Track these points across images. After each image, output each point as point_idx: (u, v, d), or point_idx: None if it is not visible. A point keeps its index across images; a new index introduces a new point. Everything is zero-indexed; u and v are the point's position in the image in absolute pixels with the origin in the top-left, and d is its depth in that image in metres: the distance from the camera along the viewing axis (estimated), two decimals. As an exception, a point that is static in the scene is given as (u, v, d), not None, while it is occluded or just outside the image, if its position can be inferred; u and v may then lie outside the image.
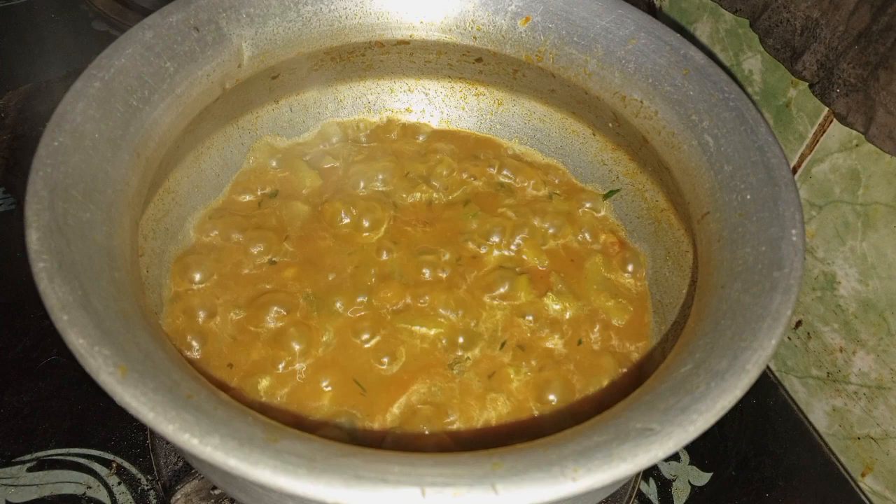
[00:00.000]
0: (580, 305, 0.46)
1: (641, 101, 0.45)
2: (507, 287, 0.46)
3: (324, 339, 0.43)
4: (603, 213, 0.52)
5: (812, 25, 0.46)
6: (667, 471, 0.52)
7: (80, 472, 0.47)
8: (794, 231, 0.35)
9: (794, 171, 0.53)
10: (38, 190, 0.32)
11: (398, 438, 0.40)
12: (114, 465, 0.48)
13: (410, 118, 0.57)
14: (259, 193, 0.50)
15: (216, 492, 0.44)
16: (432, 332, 0.44)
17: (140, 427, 0.50)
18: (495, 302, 0.46)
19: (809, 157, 0.51)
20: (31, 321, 0.54)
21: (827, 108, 0.49)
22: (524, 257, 0.49)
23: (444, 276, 0.47)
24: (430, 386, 0.42)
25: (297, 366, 0.42)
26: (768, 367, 0.59)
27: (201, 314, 0.43)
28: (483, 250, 0.49)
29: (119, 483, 0.47)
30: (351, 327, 0.44)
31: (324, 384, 0.41)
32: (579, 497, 0.27)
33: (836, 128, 0.48)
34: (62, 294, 0.29)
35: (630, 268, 0.49)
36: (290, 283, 0.45)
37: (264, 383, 0.41)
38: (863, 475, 0.52)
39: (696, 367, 0.31)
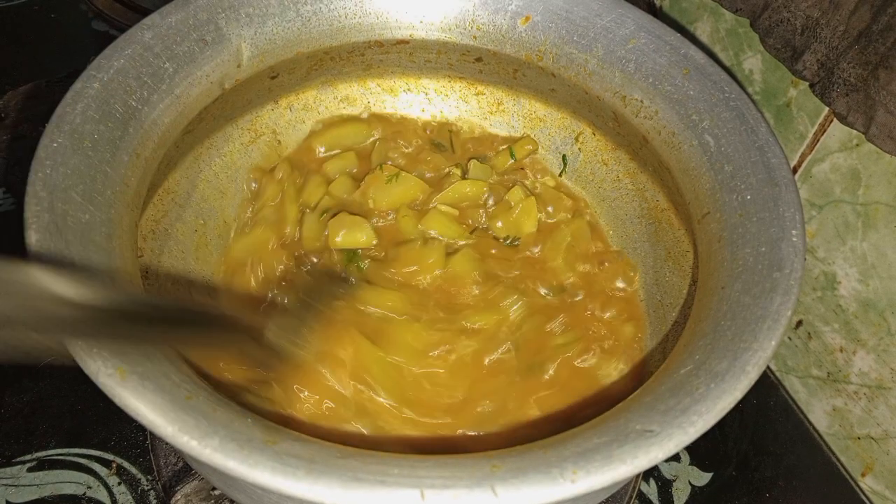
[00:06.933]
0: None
1: (641, 101, 0.45)
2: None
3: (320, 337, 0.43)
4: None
5: (812, 25, 0.46)
6: (667, 471, 0.52)
7: (80, 472, 0.47)
8: (794, 231, 0.35)
9: (795, 170, 0.52)
10: (38, 191, 0.32)
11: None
12: (114, 465, 0.48)
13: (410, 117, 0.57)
14: (254, 188, 0.50)
15: (216, 492, 0.44)
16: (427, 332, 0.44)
17: (140, 427, 0.50)
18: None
19: (810, 156, 0.51)
20: (31, 321, 0.54)
21: (827, 108, 0.49)
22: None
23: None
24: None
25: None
26: (768, 368, 0.59)
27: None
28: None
29: (119, 483, 0.47)
30: (347, 323, 0.44)
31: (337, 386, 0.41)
32: (579, 498, 0.27)
33: (836, 127, 0.48)
34: (61, 295, 0.29)
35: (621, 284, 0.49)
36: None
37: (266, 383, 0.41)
38: (863, 475, 0.52)
39: (697, 368, 0.31)
